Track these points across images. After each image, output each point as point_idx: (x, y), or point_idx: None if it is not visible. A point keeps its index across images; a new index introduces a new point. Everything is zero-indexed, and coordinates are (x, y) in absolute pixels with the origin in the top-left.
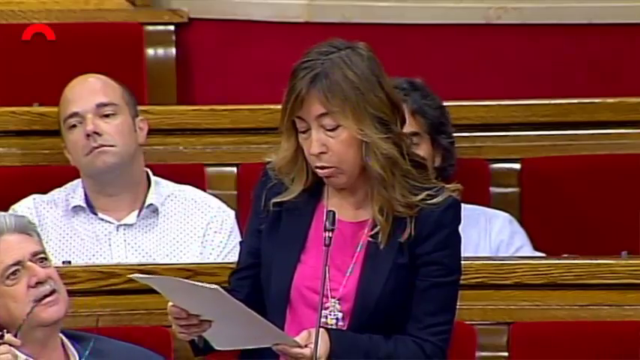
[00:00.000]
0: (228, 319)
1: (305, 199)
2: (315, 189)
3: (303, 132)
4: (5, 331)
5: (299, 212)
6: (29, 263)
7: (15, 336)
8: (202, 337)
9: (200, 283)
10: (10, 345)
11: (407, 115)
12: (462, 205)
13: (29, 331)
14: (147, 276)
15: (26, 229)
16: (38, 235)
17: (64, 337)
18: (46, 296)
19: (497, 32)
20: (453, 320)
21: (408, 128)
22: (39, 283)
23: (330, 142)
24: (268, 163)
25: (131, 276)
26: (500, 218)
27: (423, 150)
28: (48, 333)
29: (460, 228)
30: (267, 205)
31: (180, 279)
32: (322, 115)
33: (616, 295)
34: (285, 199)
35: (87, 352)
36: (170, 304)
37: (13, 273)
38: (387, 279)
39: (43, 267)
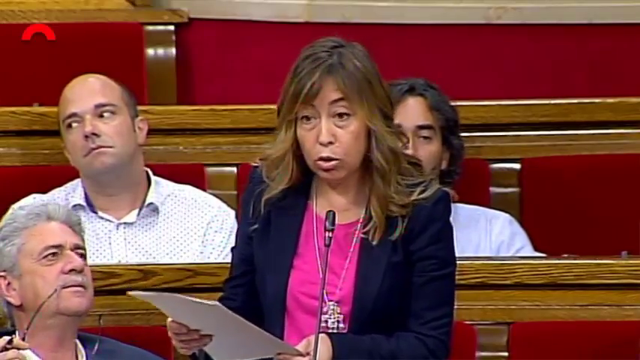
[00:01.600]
0: (229, 333)
1: (292, 201)
2: (303, 189)
3: (307, 122)
4: (13, 336)
5: (288, 216)
6: (69, 251)
7: (32, 318)
8: (203, 351)
9: (200, 300)
10: (19, 348)
11: (424, 110)
12: (463, 205)
13: (46, 319)
14: (146, 293)
15: (74, 224)
16: (82, 236)
17: (78, 342)
18: (75, 286)
19: (497, 32)
20: (453, 312)
21: (423, 121)
22: (73, 271)
23: (339, 132)
24: (255, 167)
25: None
26: (501, 219)
27: (434, 146)
28: (65, 327)
29: (460, 228)
30: (256, 210)
31: (180, 296)
32: (338, 100)
33: (616, 295)
34: (268, 195)
35: (93, 352)
36: (169, 319)
37: (52, 255)
38: (383, 278)
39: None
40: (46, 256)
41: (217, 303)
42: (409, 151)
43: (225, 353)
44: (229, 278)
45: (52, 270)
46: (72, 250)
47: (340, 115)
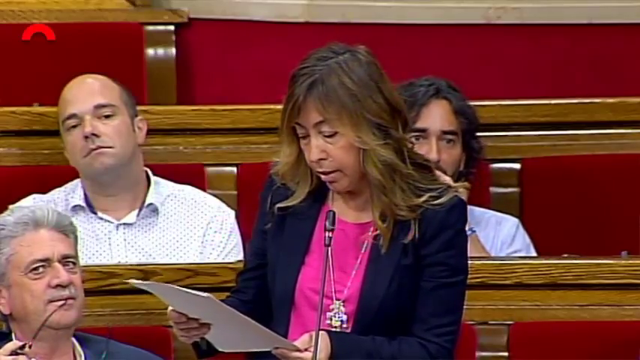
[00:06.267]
0: (226, 324)
1: (309, 203)
2: (320, 192)
3: (303, 137)
4: (29, 344)
5: (303, 215)
6: (56, 264)
7: (35, 335)
8: (205, 339)
9: (193, 292)
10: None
11: (449, 114)
12: (473, 207)
13: (36, 331)
14: (144, 282)
15: (65, 229)
16: (75, 238)
17: (75, 342)
18: (61, 300)
19: (497, 32)
20: (460, 321)
21: (448, 127)
22: (59, 285)
23: (329, 147)
24: (274, 165)
25: (128, 281)
26: (510, 222)
27: (456, 150)
28: (56, 336)
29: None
30: (273, 208)
31: (174, 286)
32: (319, 122)
33: (616, 295)
34: (290, 203)
35: (103, 356)
36: (170, 308)
37: (38, 268)
38: (391, 280)
39: (69, 271)
40: (32, 270)
41: (210, 295)
42: (433, 156)
43: (225, 342)
44: (242, 271)
45: (39, 284)
46: (60, 261)
47: (327, 133)
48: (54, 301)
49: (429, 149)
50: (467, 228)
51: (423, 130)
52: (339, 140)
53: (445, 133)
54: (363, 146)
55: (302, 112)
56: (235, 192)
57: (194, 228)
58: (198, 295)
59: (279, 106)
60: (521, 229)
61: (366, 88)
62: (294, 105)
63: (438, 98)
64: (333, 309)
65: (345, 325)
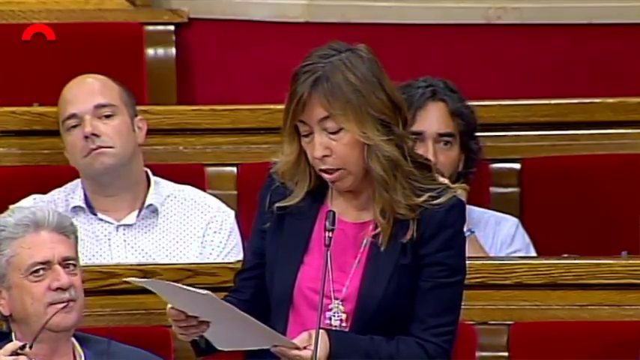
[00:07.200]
0: (225, 322)
1: (309, 202)
2: (319, 192)
3: (306, 136)
4: (28, 345)
5: (302, 215)
6: (57, 266)
7: (32, 344)
8: (204, 338)
9: (192, 289)
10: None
11: (445, 116)
12: (472, 208)
13: (37, 333)
14: (143, 280)
15: (66, 230)
16: (76, 239)
17: (75, 342)
18: (62, 303)
19: (497, 32)
20: (457, 321)
21: (445, 129)
22: (60, 288)
23: (333, 144)
24: (273, 164)
25: (127, 279)
26: (510, 222)
27: (453, 151)
28: (56, 337)
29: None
30: (272, 207)
31: (174, 283)
32: (324, 118)
33: (616, 295)
34: (289, 203)
35: (104, 355)
36: (169, 306)
37: (38, 271)
38: (390, 280)
39: (69, 273)
40: (33, 272)
41: (209, 292)
42: (430, 156)
43: (224, 341)
44: (241, 270)
45: (40, 287)
46: (60, 263)
47: (331, 129)
48: (54, 303)
49: (425, 152)
50: (465, 229)
51: (420, 133)
52: (344, 137)
53: (441, 135)
54: (367, 141)
55: (307, 109)
56: (235, 192)
57: (194, 228)
58: (197, 293)
59: (279, 106)
60: (521, 229)
61: (370, 84)
62: (299, 101)
63: (435, 100)
64: (331, 308)
65: (344, 325)
